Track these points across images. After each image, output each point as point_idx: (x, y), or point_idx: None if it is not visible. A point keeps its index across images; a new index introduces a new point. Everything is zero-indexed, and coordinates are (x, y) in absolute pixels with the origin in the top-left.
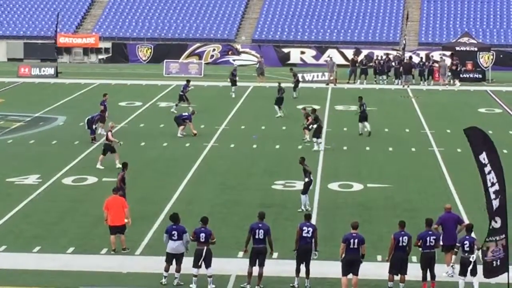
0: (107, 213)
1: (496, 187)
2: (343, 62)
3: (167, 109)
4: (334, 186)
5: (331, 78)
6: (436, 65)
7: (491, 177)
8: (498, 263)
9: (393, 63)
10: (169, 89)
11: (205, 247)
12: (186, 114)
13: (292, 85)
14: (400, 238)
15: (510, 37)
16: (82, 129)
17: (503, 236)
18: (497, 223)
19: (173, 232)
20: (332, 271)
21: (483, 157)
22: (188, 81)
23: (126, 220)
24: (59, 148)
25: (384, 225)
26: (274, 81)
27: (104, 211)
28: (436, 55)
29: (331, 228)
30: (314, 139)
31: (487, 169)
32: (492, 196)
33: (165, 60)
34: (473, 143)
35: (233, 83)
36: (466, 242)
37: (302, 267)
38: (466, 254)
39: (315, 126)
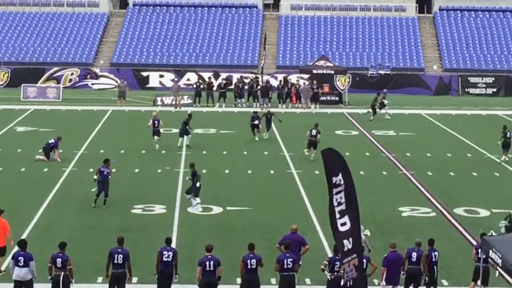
0: None
1: (343, 207)
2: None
3: (25, 133)
4: (194, 209)
5: (177, 102)
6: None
7: (339, 197)
8: (351, 283)
9: (255, 85)
10: (27, 113)
11: (63, 273)
12: (53, 140)
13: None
14: (248, 261)
15: (366, 60)
16: None
17: (355, 256)
18: (350, 244)
19: (19, 258)
20: None
21: (339, 178)
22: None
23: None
24: None
25: (244, 247)
26: (134, 105)
27: None
28: (293, 78)
29: (191, 251)
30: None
31: (337, 189)
32: (337, 215)
33: (22, 85)
34: (328, 164)
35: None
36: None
37: None
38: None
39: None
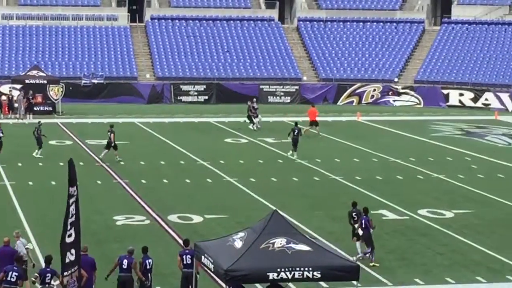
0: None
1: (73, 219)
2: None
3: None
4: None
5: None
6: (4, 98)
7: (72, 209)
8: None
9: None
10: None
11: None
12: None
13: None
14: None
15: (79, 70)
16: None
17: (76, 267)
18: (72, 256)
19: None
20: None
21: (74, 189)
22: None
23: None
24: None
25: None
26: None
27: None
28: (5, 88)
29: None
30: None
31: (72, 200)
32: (68, 227)
33: None
34: (70, 175)
35: None
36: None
37: None
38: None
39: None
